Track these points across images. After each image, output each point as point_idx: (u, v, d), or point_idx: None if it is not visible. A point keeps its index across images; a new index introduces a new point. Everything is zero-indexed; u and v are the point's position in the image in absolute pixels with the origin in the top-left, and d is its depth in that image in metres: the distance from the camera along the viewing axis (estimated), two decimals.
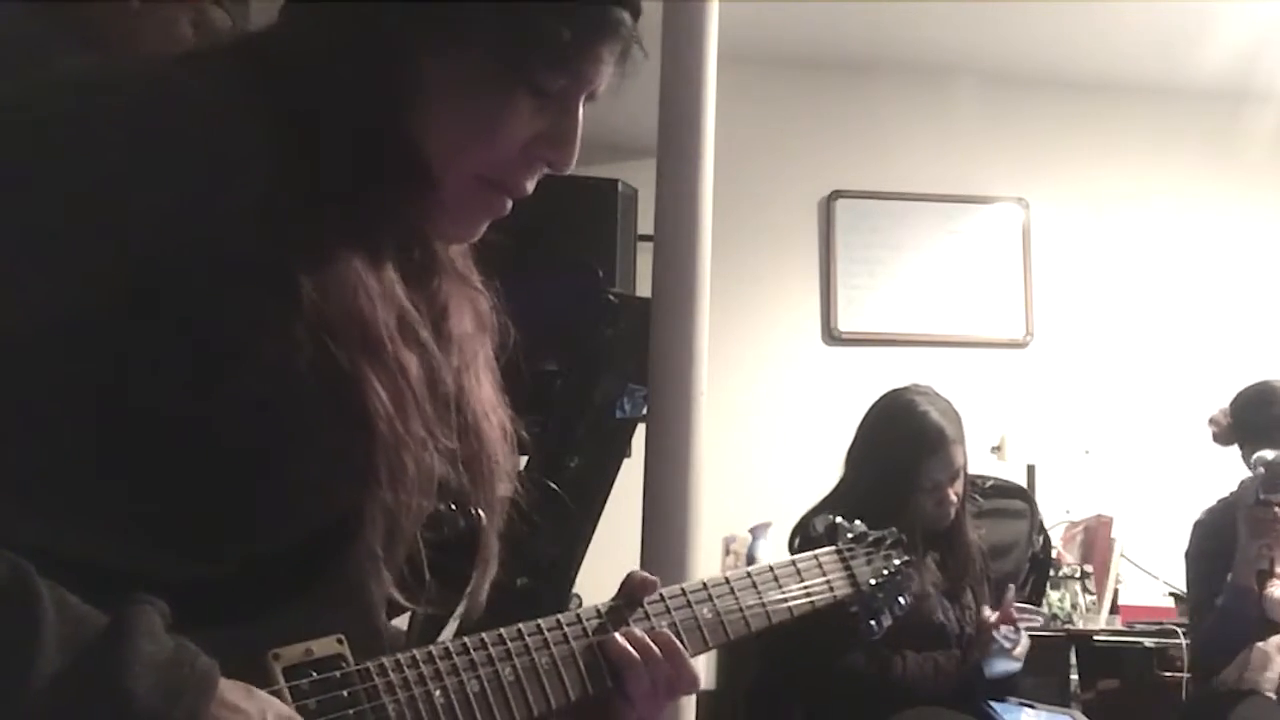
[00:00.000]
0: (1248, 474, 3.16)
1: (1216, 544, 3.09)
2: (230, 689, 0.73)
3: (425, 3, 0.88)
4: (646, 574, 1.05)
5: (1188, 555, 3.25)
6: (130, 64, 0.86)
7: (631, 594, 1.05)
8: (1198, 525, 3.24)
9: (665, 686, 1.00)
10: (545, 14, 0.88)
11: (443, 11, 0.88)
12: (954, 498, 2.78)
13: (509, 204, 0.95)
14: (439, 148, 0.89)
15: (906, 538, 2.61)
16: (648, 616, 1.04)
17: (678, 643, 1.02)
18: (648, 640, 1.00)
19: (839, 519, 1.39)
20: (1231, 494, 3.20)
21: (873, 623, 1.37)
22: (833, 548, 1.34)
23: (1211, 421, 3.29)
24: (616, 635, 0.99)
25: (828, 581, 1.29)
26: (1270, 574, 2.84)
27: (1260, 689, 2.76)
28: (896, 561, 1.41)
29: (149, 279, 0.77)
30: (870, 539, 1.40)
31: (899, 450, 2.76)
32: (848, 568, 1.34)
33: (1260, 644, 2.84)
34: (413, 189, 0.89)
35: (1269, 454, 2.88)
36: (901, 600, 1.39)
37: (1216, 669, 2.94)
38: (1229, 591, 2.93)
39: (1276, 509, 2.83)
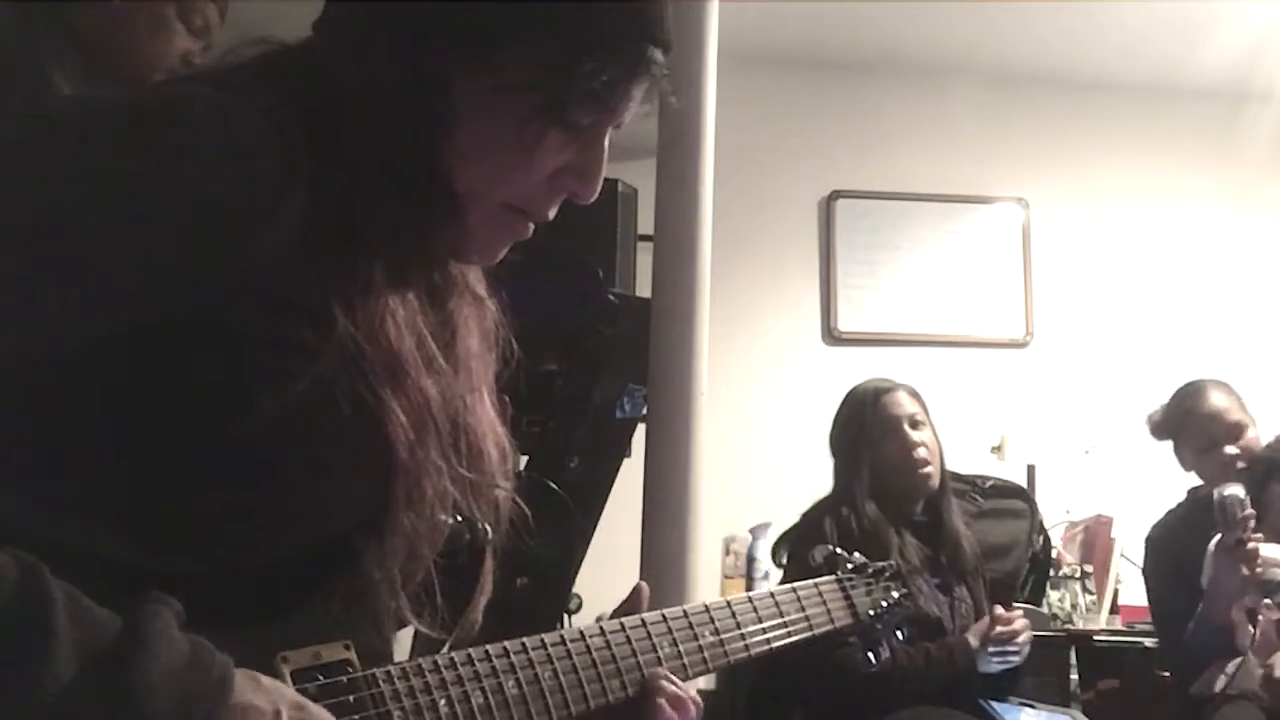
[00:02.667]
0: (1194, 481, 3.15)
1: (1170, 561, 3.08)
2: (242, 685, 0.73)
3: (461, 39, 0.87)
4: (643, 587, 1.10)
5: (1144, 573, 3.25)
6: (167, 88, 0.86)
7: (635, 606, 1.09)
8: (1150, 543, 3.23)
9: None
10: (583, 56, 0.88)
11: (479, 48, 0.87)
12: (921, 446, 2.82)
13: (531, 228, 0.96)
14: (469, 179, 0.89)
15: (880, 494, 2.68)
16: (650, 637, 1.05)
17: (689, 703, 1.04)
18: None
19: (838, 549, 1.40)
20: (1179, 506, 3.20)
21: (870, 654, 1.39)
22: (833, 577, 1.36)
23: (1148, 418, 3.31)
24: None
25: (827, 611, 1.31)
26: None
27: (1245, 692, 2.75)
28: (895, 594, 1.42)
29: (188, 303, 0.77)
30: (870, 570, 1.41)
31: (846, 414, 2.95)
32: (848, 597, 1.35)
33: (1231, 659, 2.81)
34: (443, 219, 0.89)
35: (1238, 491, 2.80)
36: (900, 633, 1.41)
37: (1191, 680, 2.91)
38: (1200, 625, 2.88)
39: (1248, 546, 2.76)
